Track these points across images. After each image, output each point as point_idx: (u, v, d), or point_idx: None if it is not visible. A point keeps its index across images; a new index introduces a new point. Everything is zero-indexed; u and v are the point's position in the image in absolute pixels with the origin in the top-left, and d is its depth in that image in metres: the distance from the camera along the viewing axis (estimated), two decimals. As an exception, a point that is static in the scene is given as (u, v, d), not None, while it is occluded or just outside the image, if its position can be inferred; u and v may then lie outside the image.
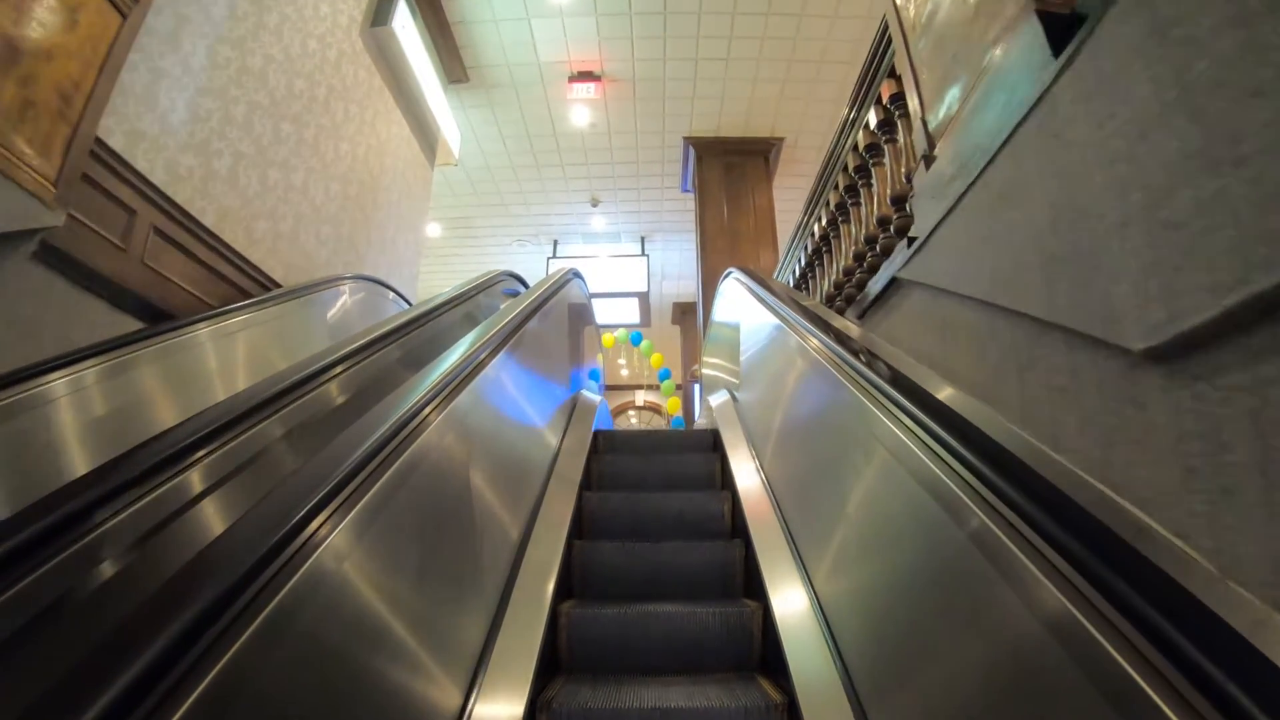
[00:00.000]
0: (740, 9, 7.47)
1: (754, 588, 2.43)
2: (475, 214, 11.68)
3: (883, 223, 3.44)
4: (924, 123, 2.43)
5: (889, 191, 3.30)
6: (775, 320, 3.14)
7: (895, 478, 1.52)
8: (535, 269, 12.48)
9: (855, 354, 1.87)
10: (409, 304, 6.15)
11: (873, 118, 3.53)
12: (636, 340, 14.16)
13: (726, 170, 9.57)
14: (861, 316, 2.83)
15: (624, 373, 19.25)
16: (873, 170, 3.66)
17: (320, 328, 4.83)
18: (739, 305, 4.59)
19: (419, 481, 1.62)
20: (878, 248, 3.52)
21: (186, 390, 3.49)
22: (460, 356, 2.27)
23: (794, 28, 7.75)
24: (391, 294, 5.93)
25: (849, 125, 3.90)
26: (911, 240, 2.30)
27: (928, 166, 2.33)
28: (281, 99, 5.02)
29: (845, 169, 4.06)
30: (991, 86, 1.79)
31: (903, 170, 3.13)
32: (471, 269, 14.15)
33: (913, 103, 2.59)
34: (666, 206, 11.32)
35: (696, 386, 15.06)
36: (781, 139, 9.57)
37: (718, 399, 5.00)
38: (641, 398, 19.82)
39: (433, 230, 12.15)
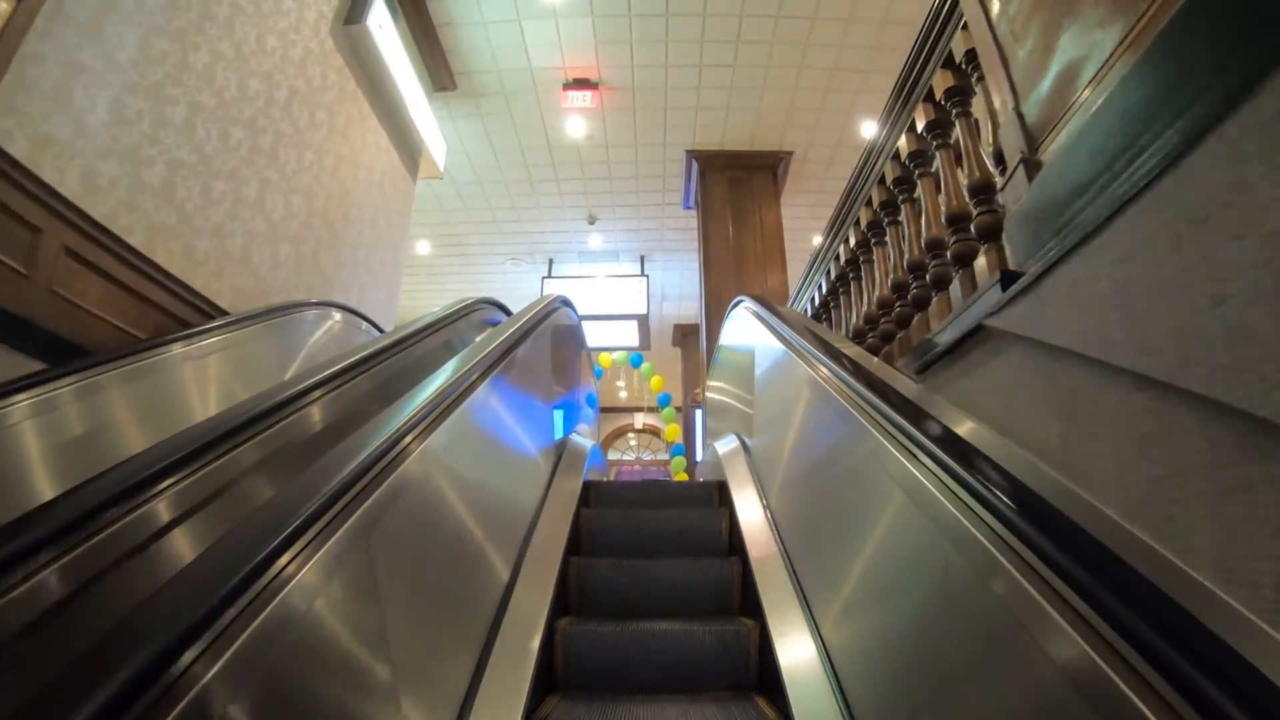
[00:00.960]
0: (748, 10, 6.89)
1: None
2: (466, 231, 11.08)
3: (933, 246, 2.81)
4: (1019, 115, 1.80)
5: (943, 209, 2.67)
6: (809, 372, 2.50)
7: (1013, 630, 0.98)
8: (530, 289, 11.90)
9: (966, 466, 1.25)
10: (382, 331, 5.52)
11: (920, 119, 2.91)
12: (636, 362, 13.55)
13: (732, 186, 8.97)
14: (923, 371, 2.19)
15: (622, 395, 18.60)
16: (918, 183, 3.04)
17: (270, 362, 4.19)
18: (751, 340, 3.96)
19: (349, 571, 1.26)
20: (926, 277, 2.89)
21: (94, 440, 2.87)
22: (409, 416, 1.74)
23: (805, 32, 7.17)
24: (364, 323, 5.30)
25: (890, 128, 3.28)
26: (1009, 277, 1.66)
27: (1028, 174, 1.71)
28: (231, 101, 4.42)
29: (881, 182, 3.44)
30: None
31: (964, 182, 2.51)
32: (464, 289, 13.56)
33: (996, 92, 1.97)
34: (668, 224, 10.72)
35: (698, 412, 14.43)
36: (790, 152, 8.98)
37: (725, 445, 4.36)
38: (641, 420, 19.17)
39: (422, 247, 11.58)
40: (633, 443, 22.21)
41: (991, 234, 2.15)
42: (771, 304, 3.66)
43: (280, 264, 4.96)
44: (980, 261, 2.21)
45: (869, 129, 8.61)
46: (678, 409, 14.90)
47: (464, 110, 8.31)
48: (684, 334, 14.57)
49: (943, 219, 2.63)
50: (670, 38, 7.20)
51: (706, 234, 8.83)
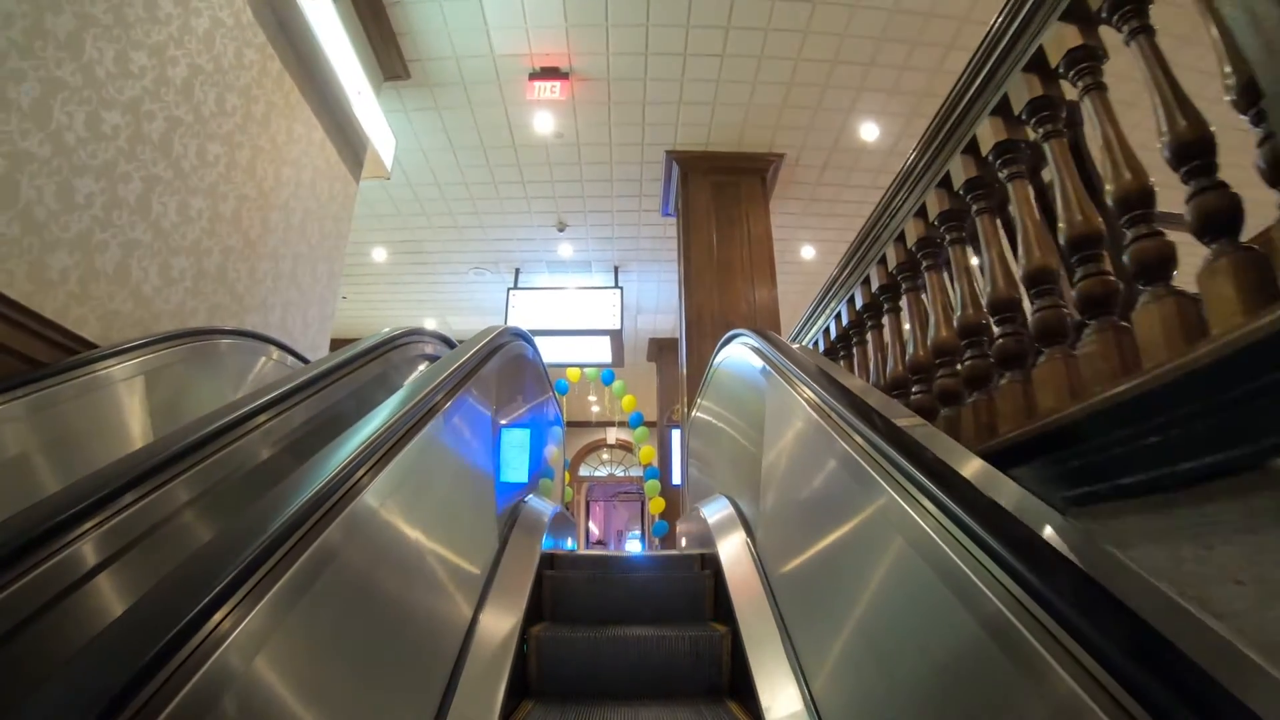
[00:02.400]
0: (741, -8, 6.05)
1: None
2: (425, 237, 10.11)
3: (1038, 280, 1.95)
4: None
5: (1072, 225, 1.82)
6: (864, 469, 1.61)
7: None
8: (495, 300, 10.97)
9: None
10: (305, 361, 4.56)
11: (1021, 92, 2.06)
12: (608, 379, 12.65)
13: (716, 191, 8.11)
14: (1086, 503, 1.31)
15: (595, 409, 17.68)
16: (1009, 187, 2.18)
17: (135, 410, 3.24)
18: (755, 387, 3.08)
19: None
20: (1023, 322, 2.03)
21: None
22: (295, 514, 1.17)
23: (805, 18, 6.33)
24: (275, 351, 4.35)
25: (961, 110, 2.42)
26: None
27: None
28: (104, 79, 3.48)
29: (945, 185, 2.58)
30: None
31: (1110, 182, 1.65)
32: (425, 298, 12.59)
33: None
34: (645, 232, 9.84)
35: (674, 432, 13.54)
36: (782, 155, 8.14)
37: (717, 513, 3.47)
38: (613, 436, 18.27)
39: (378, 255, 10.61)
40: (605, 457, 21.30)
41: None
42: (786, 346, 2.77)
43: (172, 281, 4.00)
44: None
45: (870, 131, 7.82)
46: (651, 425, 14.01)
47: (419, 102, 7.37)
48: (660, 349, 13.69)
49: (1072, 238, 1.77)
50: (651, 21, 6.33)
51: (688, 244, 7.97)
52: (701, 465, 5.06)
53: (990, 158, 2.26)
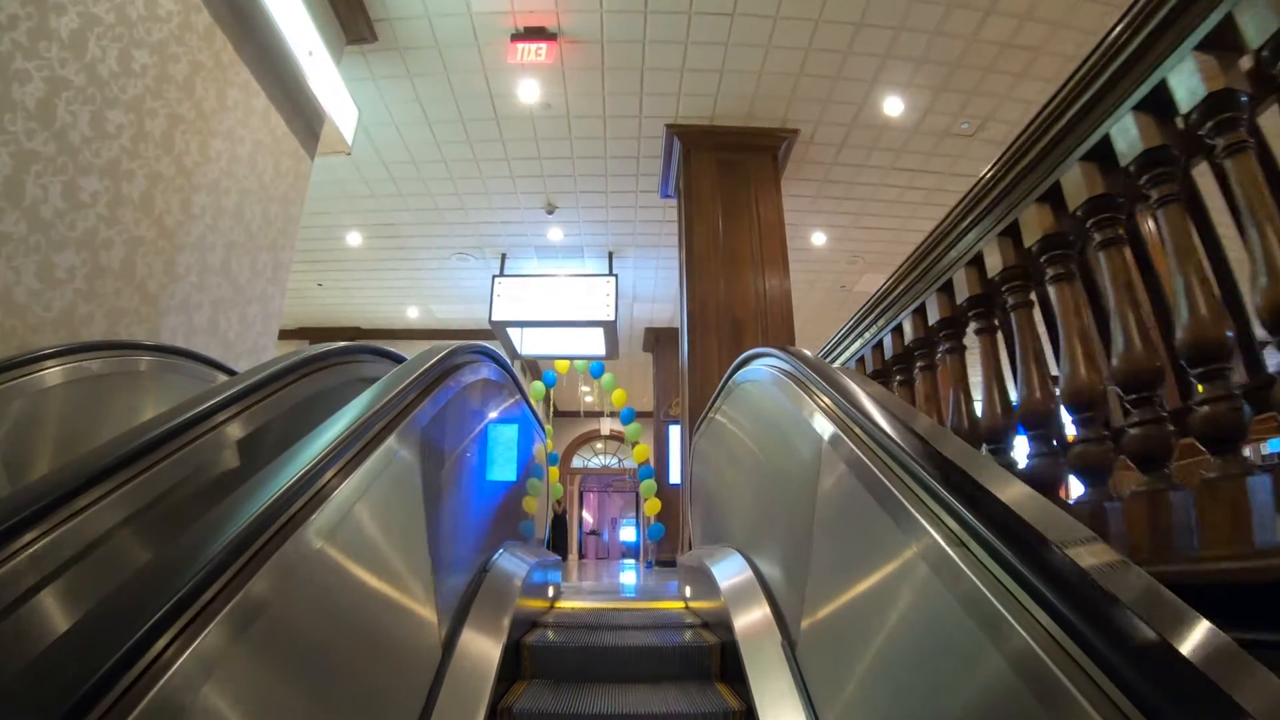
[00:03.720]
0: (757, -62, 5.19)
1: None
2: (403, 220, 9.26)
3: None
4: None
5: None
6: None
7: None
8: (480, 287, 10.13)
9: None
10: (231, 373, 3.75)
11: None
12: (597, 372, 11.86)
13: (723, 170, 7.29)
14: None
15: (587, 399, 16.90)
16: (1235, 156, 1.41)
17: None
18: (796, 430, 2.27)
19: None
20: None
21: None
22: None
23: (828, -28, 5.50)
24: (193, 365, 3.53)
25: (1122, 60, 1.63)
26: None
27: None
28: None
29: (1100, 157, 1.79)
30: None
31: None
32: (405, 285, 11.73)
33: None
34: (642, 216, 9.00)
35: (672, 428, 12.78)
36: (795, 131, 7.31)
37: (730, 576, 2.71)
38: (607, 426, 17.51)
39: (352, 239, 9.78)
40: (599, 447, 20.58)
41: None
42: (858, 386, 1.97)
43: (56, 283, 3.20)
44: None
45: (894, 105, 6.99)
46: (647, 415, 13.25)
47: (388, 69, 6.51)
48: (657, 339, 12.89)
49: None
50: (652, -26, 5.49)
51: (690, 229, 7.16)
52: (709, 499, 4.28)
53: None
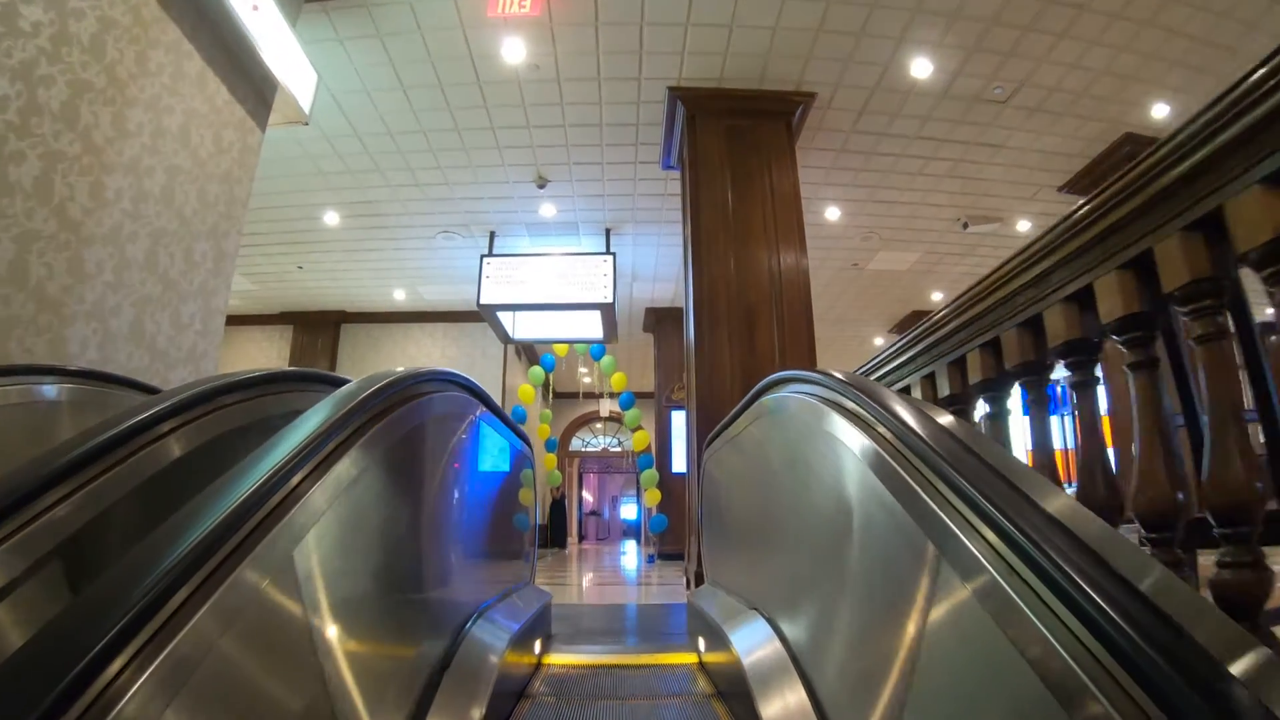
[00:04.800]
0: None
1: None
2: (382, 198, 8.53)
3: None
4: None
5: None
6: None
7: None
8: (470, 267, 9.42)
9: None
10: (152, 391, 3.08)
11: None
12: (597, 354, 11.26)
13: (732, 138, 6.55)
14: None
15: (586, 380, 16.25)
16: None
17: None
18: (844, 485, 1.62)
19: None
20: None
21: None
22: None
23: (856, -95, 4.74)
24: (88, 386, 2.86)
25: None
26: None
27: None
28: None
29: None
30: None
31: None
32: (389, 266, 10.97)
33: None
34: (642, 189, 8.26)
35: (675, 414, 12.14)
36: (812, 95, 6.56)
37: (754, 648, 2.11)
38: (606, 408, 16.87)
39: (329, 218, 9.06)
40: (598, 427, 19.98)
41: None
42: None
43: (-92, 291, 2.52)
44: None
45: (921, 67, 6.26)
46: (646, 396, 12.61)
47: (355, 28, 5.75)
48: (658, 319, 12.19)
49: None
50: (652, -90, 4.73)
51: (696, 202, 6.44)
52: (723, 532, 3.63)
53: None
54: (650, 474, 10.87)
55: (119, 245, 3.50)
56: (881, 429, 1.50)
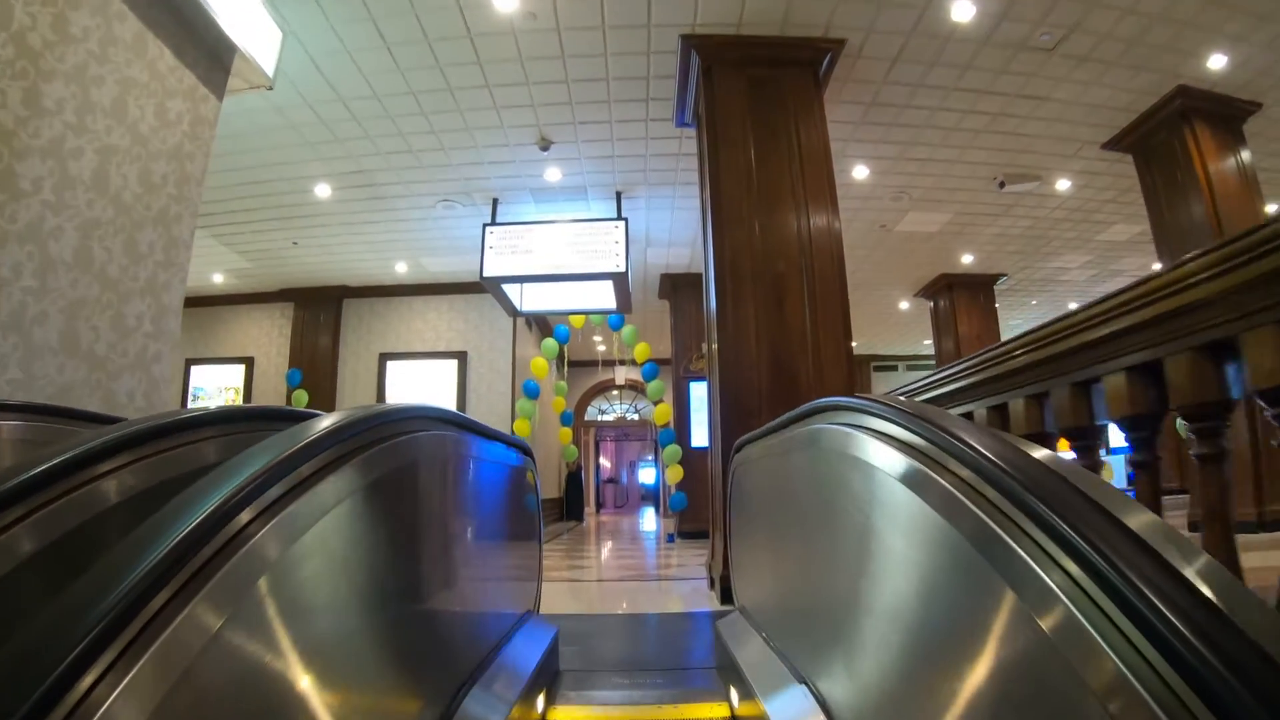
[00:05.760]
0: None
1: None
2: (374, 166, 7.93)
3: None
4: None
5: None
6: None
7: None
8: (475, 236, 8.78)
9: None
10: (106, 421, 2.55)
11: None
12: (616, 324, 10.70)
13: (754, 90, 5.89)
14: None
15: (600, 348, 15.73)
16: None
17: None
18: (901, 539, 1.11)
19: None
20: None
21: None
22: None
23: None
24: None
25: None
26: None
27: None
28: None
29: None
30: None
31: None
32: (389, 238, 10.33)
33: None
34: (654, 149, 7.61)
35: (694, 385, 11.60)
36: (841, 42, 5.86)
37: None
38: (622, 375, 16.35)
39: (321, 191, 8.47)
40: (615, 394, 19.51)
41: None
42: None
43: None
44: None
45: (963, 9, 5.54)
46: (662, 362, 12.05)
47: (327, -21, 5.13)
48: (674, 285, 11.58)
49: None
50: None
51: (715, 162, 5.81)
52: (756, 563, 3.09)
53: None
54: (673, 449, 10.37)
55: (39, 243, 2.96)
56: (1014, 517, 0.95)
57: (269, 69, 4.40)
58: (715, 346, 5.66)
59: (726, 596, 4.87)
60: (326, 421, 1.34)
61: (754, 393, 5.30)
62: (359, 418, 1.45)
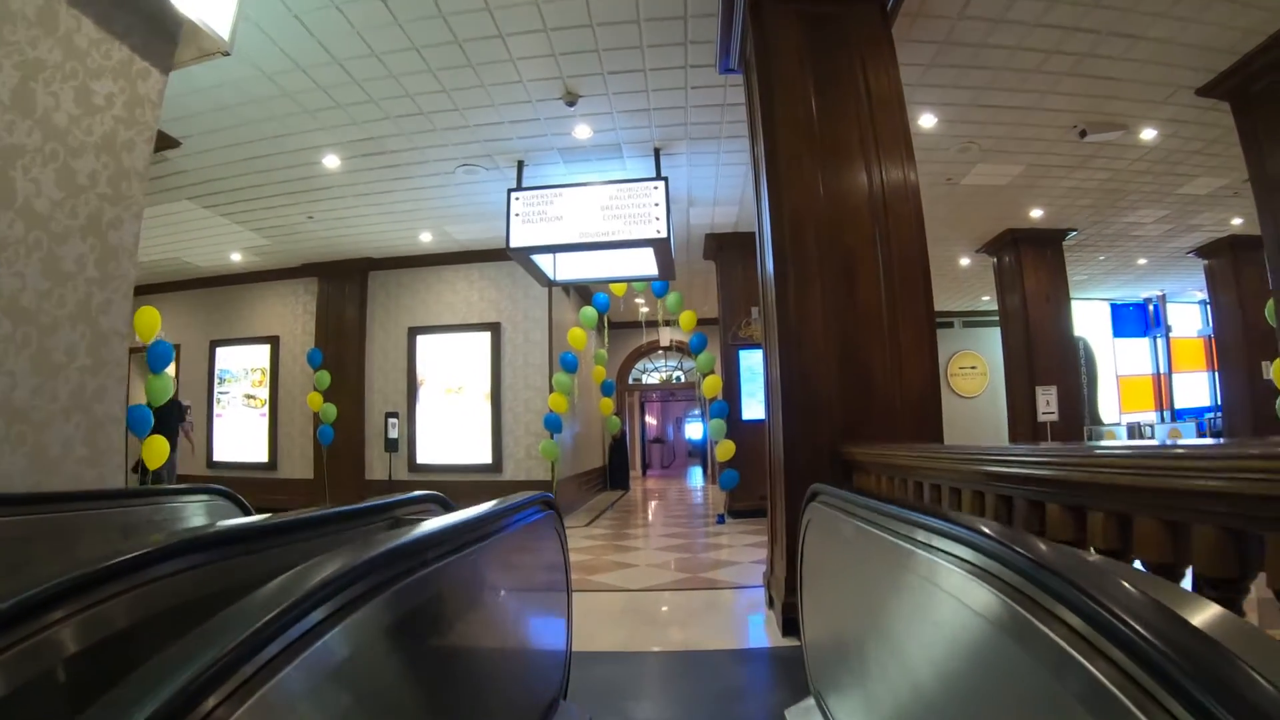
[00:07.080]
0: None
1: None
2: (384, 132, 7.16)
3: None
4: None
5: None
6: None
7: None
8: (500, 201, 7.94)
9: None
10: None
11: None
12: (660, 290, 9.91)
13: (810, 28, 4.94)
14: None
15: (644, 310, 14.95)
16: None
17: None
18: None
19: None
20: None
21: None
22: None
23: None
24: None
25: None
26: None
27: None
28: None
29: None
30: None
31: None
32: (410, 207, 9.45)
33: None
34: (695, 99, 6.67)
35: (743, 354, 10.77)
36: (916, -40, 4.88)
37: None
38: (667, 337, 15.58)
39: (329, 161, 7.76)
40: (660, 354, 18.76)
41: None
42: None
43: None
44: None
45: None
46: (708, 323, 11.23)
47: (303, -82, 4.30)
48: (720, 245, 10.66)
49: None
50: None
51: (769, 112, 4.90)
52: (842, 657, 2.35)
53: None
54: (718, 424, 9.64)
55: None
56: None
57: (224, 32, 3.60)
58: (775, 343, 4.84)
59: (789, 628, 4.27)
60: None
61: (822, 389, 4.50)
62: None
